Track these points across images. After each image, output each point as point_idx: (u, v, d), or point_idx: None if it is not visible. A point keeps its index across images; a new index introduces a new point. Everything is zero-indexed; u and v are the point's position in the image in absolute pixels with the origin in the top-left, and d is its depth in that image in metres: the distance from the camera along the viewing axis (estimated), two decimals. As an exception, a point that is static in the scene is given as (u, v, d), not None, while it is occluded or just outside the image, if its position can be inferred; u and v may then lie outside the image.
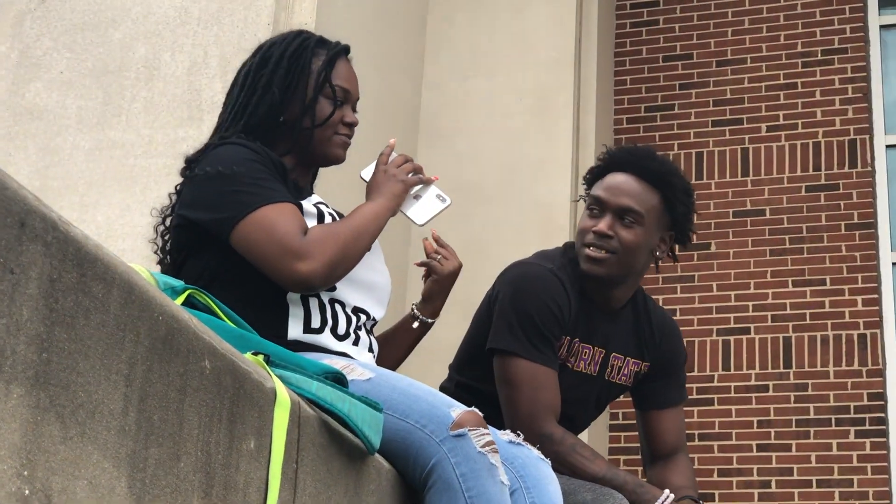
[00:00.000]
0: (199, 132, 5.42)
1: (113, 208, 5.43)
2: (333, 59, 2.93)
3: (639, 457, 6.50)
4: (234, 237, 2.64)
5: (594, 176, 3.42)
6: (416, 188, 2.92)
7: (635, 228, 3.28)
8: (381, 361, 2.88)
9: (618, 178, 3.33)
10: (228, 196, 2.65)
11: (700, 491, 3.61)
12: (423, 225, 2.92)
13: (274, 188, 2.66)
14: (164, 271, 2.81)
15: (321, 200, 2.86)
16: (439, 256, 3.04)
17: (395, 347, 3.04)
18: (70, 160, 5.60)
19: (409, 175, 2.90)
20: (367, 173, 2.93)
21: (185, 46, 5.66)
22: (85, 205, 5.46)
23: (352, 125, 2.94)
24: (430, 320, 3.07)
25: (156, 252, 2.87)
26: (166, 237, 2.85)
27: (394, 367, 2.97)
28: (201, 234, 2.70)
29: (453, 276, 3.07)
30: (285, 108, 2.87)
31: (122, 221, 5.37)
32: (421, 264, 3.07)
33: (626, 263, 3.29)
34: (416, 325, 3.05)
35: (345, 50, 2.98)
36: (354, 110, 2.96)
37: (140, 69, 5.68)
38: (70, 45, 5.82)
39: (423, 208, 2.92)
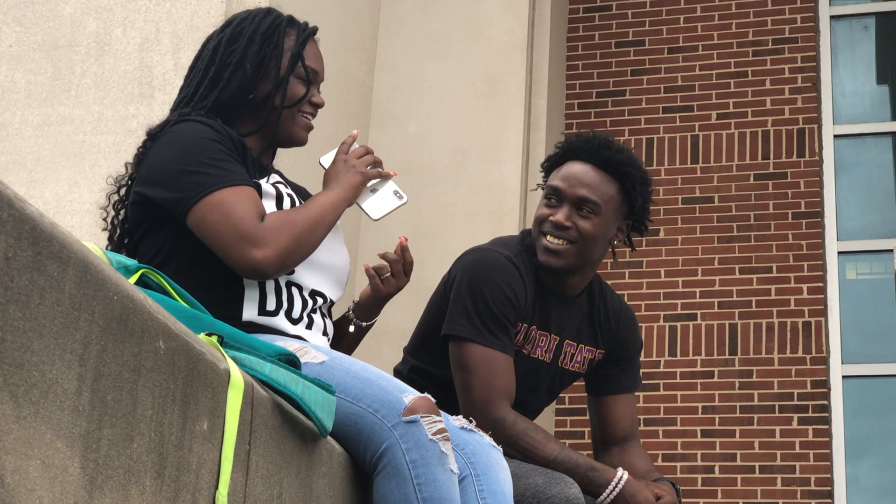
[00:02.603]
0: (149, 109, 5.38)
1: (61, 184, 5.38)
2: (305, 40, 2.92)
3: (584, 441, 6.54)
4: (190, 218, 2.62)
5: (552, 164, 3.41)
6: (374, 181, 2.90)
7: (593, 218, 3.28)
8: None
9: (575, 168, 3.32)
10: (186, 176, 2.62)
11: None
12: (377, 220, 2.91)
13: (233, 170, 2.64)
14: (115, 245, 2.79)
15: (280, 180, 2.83)
16: (387, 274, 2.97)
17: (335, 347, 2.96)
18: (18, 135, 5.54)
19: (369, 168, 2.87)
20: (327, 160, 2.91)
21: (137, 22, 5.61)
22: (33, 180, 5.41)
23: (318, 106, 2.92)
24: (364, 324, 3.01)
25: (105, 219, 2.84)
26: (119, 208, 2.82)
27: None
28: (159, 211, 2.68)
29: (390, 296, 3.02)
30: (256, 85, 2.85)
31: (71, 198, 5.33)
32: (368, 273, 2.98)
33: (583, 253, 3.30)
34: (351, 328, 3.00)
35: (314, 31, 2.97)
36: (319, 91, 2.95)
37: (91, 44, 5.63)
38: (20, 18, 5.76)
39: (379, 203, 2.90)
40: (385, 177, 2.91)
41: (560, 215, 3.27)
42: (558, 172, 3.35)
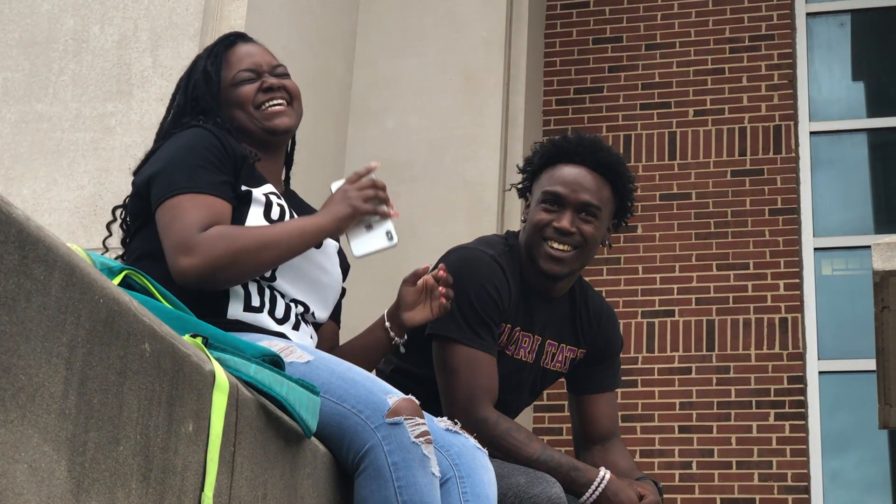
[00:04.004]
0: (127, 107, 5.36)
1: (39, 182, 5.36)
2: (219, 52, 2.93)
3: (562, 437, 6.55)
4: (156, 216, 2.66)
5: (538, 166, 3.37)
6: (373, 218, 2.77)
7: (594, 222, 3.27)
8: None
9: (572, 172, 3.29)
10: (166, 175, 2.66)
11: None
12: (357, 258, 2.78)
13: (206, 178, 2.65)
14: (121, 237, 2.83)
15: (274, 191, 2.80)
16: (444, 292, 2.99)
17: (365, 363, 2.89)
18: (-5, 132, 5.52)
19: (367, 203, 2.75)
20: (335, 186, 2.81)
21: (115, 19, 5.59)
22: (10, 178, 5.38)
23: (272, 89, 2.90)
24: (401, 341, 3.01)
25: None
26: (118, 212, 2.86)
27: None
28: (149, 204, 2.71)
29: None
30: (216, 110, 2.89)
31: (48, 196, 5.30)
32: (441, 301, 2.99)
33: (584, 257, 3.30)
34: (402, 349, 3.00)
35: (233, 38, 2.98)
36: (278, 76, 2.93)
37: (68, 41, 5.61)
38: (-4, 14, 5.73)
39: (367, 241, 2.77)
40: (384, 215, 2.79)
41: (565, 221, 3.25)
42: (551, 176, 3.31)
